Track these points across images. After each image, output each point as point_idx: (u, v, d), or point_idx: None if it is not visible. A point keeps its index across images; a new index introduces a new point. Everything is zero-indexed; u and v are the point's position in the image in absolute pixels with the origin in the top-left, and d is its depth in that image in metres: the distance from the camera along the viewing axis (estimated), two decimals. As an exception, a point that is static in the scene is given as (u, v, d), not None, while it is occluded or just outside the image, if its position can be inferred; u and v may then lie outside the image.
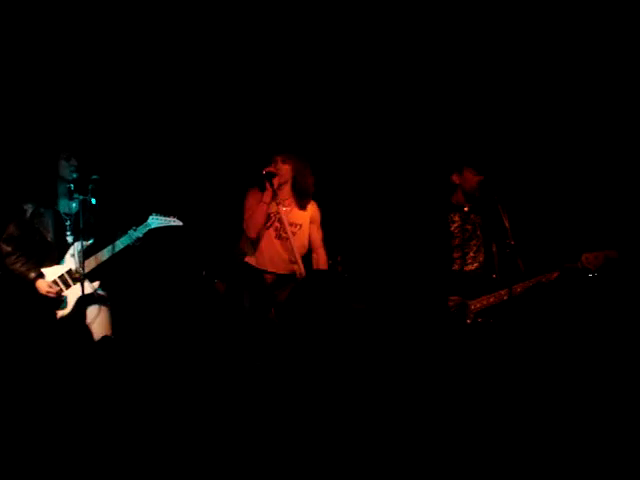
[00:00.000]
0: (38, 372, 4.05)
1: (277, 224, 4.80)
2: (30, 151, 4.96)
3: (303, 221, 4.88)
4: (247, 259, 4.85)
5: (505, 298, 4.46)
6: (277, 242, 4.81)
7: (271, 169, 4.70)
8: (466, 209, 4.75)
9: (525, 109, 5.59)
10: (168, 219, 4.62)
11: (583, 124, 5.51)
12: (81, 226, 4.26)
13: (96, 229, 4.60)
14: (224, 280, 4.95)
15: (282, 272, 4.83)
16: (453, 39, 5.50)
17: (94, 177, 4.32)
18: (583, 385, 4.46)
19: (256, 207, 4.71)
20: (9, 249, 4.47)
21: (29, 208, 4.50)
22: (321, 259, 4.93)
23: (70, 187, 4.34)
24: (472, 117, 5.58)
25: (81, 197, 4.34)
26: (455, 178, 4.74)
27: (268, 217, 4.77)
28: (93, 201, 4.32)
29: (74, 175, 4.34)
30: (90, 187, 4.30)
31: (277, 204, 4.75)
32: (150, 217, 4.60)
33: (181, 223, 4.66)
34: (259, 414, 3.99)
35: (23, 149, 5.10)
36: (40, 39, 5.14)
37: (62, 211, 4.55)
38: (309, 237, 4.90)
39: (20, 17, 5.09)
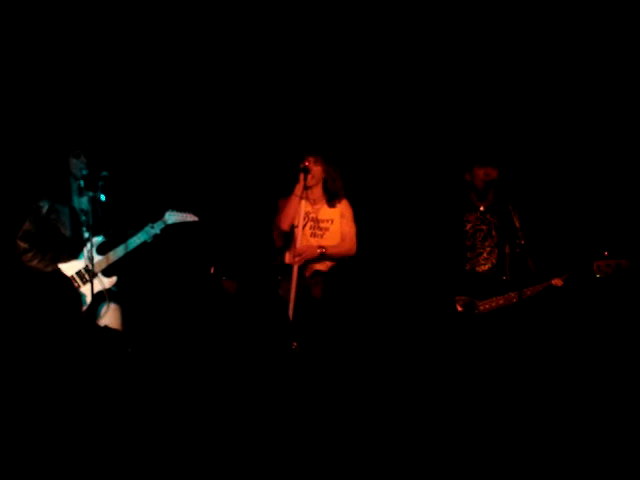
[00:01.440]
0: (46, 367, 4.12)
1: (311, 222, 4.96)
2: (43, 149, 5.03)
3: (334, 217, 5.00)
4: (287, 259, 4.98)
5: (514, 301, 4.46)
6: (312, 240, 4.94)
7: (307, 165, 4.85)
8: (482, 209, 4.76)
9: (540, 110, 5.53)
10: (184, 215, 4.69)
11: (595, 127, 5.45)
12: (90, 222, 4.33)
13: (110, 226, 4.66)
14: (233, 278, 5.03)
15: (318, 267, 4.95)
16: (463, 42, 5.48)
17: (104, 174, 4.39)
18: (587, 389, 4.46)
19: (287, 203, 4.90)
20: (26, 246, 4.53)
21: (44, 205, 4.56)
22: (342, 248, 5.00)
23: (80, 184, 4.39)
24: (487, 117, 5.55)
25: (91, 194, 4.40)
26: (467, 177, 4.78)
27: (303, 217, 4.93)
28: (103, 197, 4.39)
29: (84, 172, 4.38)
30: (100, 184, 4.37)
31: (307, 199, 4.91)
32: (167, 213, 4.66)
33: (197, 218, 4.73)
34: (264, 412, 4.03)
35: (36, 147, 5.15)
36: (50, 39, 5.19)
37: (77, 207, 4.60)
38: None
39: (31, 17, 5.14)
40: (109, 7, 5.19)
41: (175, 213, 4.66)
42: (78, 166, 4.48)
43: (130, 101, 5.45)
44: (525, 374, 4.32)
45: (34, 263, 4.50)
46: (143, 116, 5.52)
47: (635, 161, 5.36)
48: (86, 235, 4.48)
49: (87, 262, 4.45)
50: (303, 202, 4.89)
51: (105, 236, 4.62)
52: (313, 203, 4.97)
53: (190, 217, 4.71)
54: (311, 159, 4.88)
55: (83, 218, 4.50)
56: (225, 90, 5.62)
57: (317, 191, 4.99)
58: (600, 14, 5.24)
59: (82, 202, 4.58)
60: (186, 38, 5.43)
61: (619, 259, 4.42)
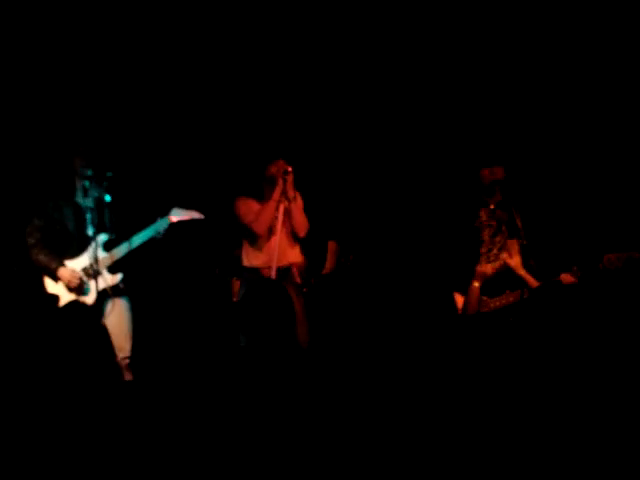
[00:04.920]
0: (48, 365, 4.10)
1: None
2: (47, 148, 5.08)
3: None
4: (249, 261, 4.96)
5: (525, 297, 4.47)
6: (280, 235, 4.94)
7: (289, 169, 4.83)
8: (492, 206, 4.73)
9: (543, 108, 5.58)
10: (190, 212, 4.60)
11: (596, 120, 5.48)
12: (95, 222, 4.33)
13: (116, 223, 4.61)
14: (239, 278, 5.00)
15: (284, 263, 4.95)
16: (466, 45, 5.57)
17: (108, 174, 4.38)
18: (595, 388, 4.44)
19: (259, 209, 4.88)
20: (33, 241, 4.52)
21: (50, 202, 4.55)
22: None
23: (84, 184, 4.36)
24: (491, 116, 5.60)
25: (96, 194, 4.38)
26: (481, 175, 4.72)
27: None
28: (108, 198, 4.38)
29: (88, 172, 4.35)
30: (105, 184, 4.36)
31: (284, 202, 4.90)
32: (172, 210, 4.57)
33: (202, 216, 4.64)
34: (263, 412, 3.99)
35: (40, 146, 5.22)
36: (57, 41, 5.24)
37: (83, 205, 4.54)
38: None
39: (36, 20, 5.19)
40: (115, 11, 5.26)
41: (181, 210, 4.57)
42: (81, 164, 4.44)
43: (135, 103, 5.52)
44: (531, 373, 4.30)
45: (40, 257, 4.49)
46: (149, 117, 5.57)
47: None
48: (90, 233, 4.44)
49: (91, 260, 4.42)
50: (282, 207, 4.86)
51: (110, 233, 4.57)
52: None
53: (196, 214, 4.62)
54: (281, 162, 4.87)
55: (89, 216, 4.44)
56: (227, 94, 5.69)
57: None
58: (606, 17, 5.27)
59: (87, 200, 4.54)
60: (195, 48, 5.54)
61: (630, 251, 4.36)
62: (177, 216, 4.56)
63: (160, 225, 4.52)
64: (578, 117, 5.50)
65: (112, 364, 4.35)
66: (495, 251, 4.67)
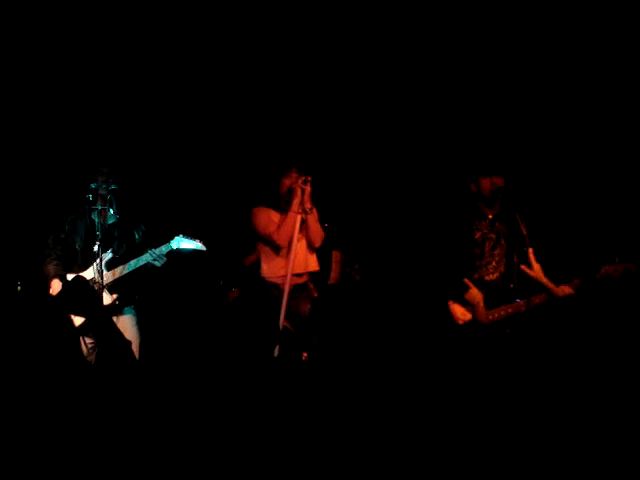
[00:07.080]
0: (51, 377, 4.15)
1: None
2: (65, 166, 5.33)
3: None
4: (271, 272, 5.01)
5: (523, 309, 4.46)
6: (300, 244, 5.01)
7: (309, 178, 4.90)
8: (490, 217, 4.71)
9: (546, 118, 5.58)
10: (193, 242, 4.64)
11: (601, 130, 5.47)
12: (100, 236, 4.37)
13: (122, 244, 4.73)
14: (242, 289, 5.06)
15: (305, 271, 5.04)
16: (462, 53, 5.58)
17: (112, 187, 4.44)
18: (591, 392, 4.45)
19: (280, 220, 4.94)
20: (50, 253, 4.71)
21: (69, 217, 4.73)
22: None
23: (88, 197, 4.43)
24: (489, 126, 5.62)
25: (99, 207, 4.46)
26: (473, 187, 4.72)
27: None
28: (112, 211, 4.45)
29: (92, 185, 4.44)
30: (109, 197, 4.42)
31: (303, 212, 4.95)
32: (175, 237, 4.62)
33: (205, 248, 4.69)
34: (265, 417, 4.04)
35: (58, 164, 5.48)
36: (77, 61, 5.46)
37: (96, 222, 4.62)
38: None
39: (53, 40, 5.38)
40: (128, 30, 5.38)
41: (184, 239, 4.62)
42: (103, 183, 4.54)
43: (155, 122, 5.73)
44: (528, 380, 4.32)
45: (48, 268, 4.65)
46: (165, 133, 5.75)
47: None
48: (96, 250, 4.50)
49: (95, 275, 4.49)
50: (299, 217, 4.91)
51: (116, 252, 4.67)
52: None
53: (199, 245, 4.66)
54: (295, 175, 4.92)
55: (98, 233, 4.50)
56: (238, 108, 5.82)
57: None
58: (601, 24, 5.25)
59: (98, 218, 4.66)
60: (208, 70, 5.71)
61: (627, 263, 4.37)
62: (178, 244, 4.62)
63: (159, 251, 4.59)
64: (578, 125, 5.51)
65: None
66: (494, 264, 4.67)
